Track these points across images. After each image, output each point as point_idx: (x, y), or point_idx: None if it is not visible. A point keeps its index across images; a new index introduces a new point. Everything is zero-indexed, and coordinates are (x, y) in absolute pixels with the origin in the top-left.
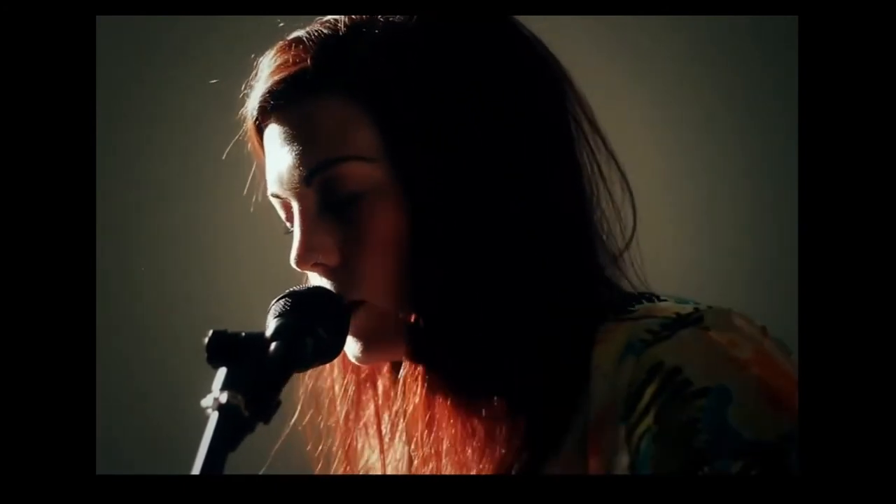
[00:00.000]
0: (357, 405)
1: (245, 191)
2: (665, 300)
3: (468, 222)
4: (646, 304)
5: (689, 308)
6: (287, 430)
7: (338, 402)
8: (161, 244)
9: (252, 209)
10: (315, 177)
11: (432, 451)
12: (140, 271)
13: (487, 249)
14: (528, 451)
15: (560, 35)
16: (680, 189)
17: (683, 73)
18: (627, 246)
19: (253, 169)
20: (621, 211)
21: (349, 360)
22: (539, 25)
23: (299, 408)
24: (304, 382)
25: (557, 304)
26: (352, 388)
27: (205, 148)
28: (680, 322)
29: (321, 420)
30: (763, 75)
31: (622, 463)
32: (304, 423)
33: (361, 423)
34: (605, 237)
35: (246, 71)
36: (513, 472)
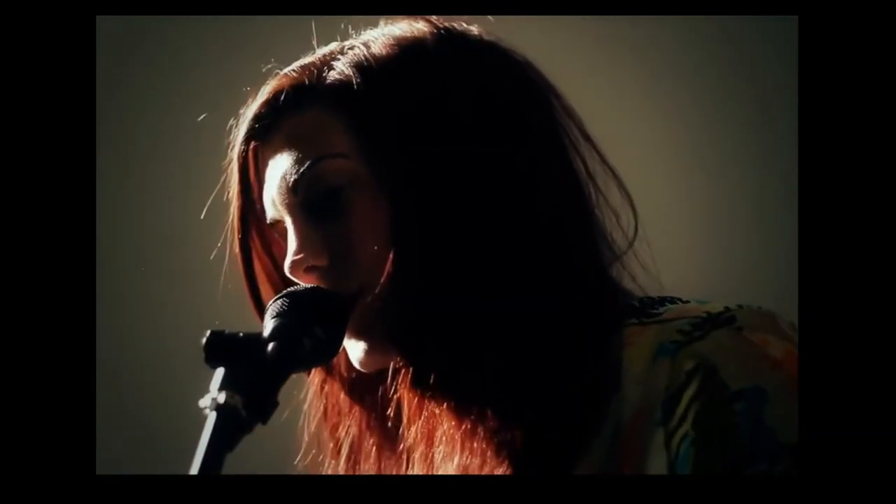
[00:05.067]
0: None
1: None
2: (688, 302)
3: (445, 216)
4: (669, 306)
5: (719, 307)
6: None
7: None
8: (160, 244)
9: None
10: (300, 184)
11: (424, 442)
12: (139, 272)
13: (467, 243)
14: (531, 455)
15: (558, 35)
16: (681, 189)
17: (683, 73)
18: (629, 247)
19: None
20: (620, 214)
21: (358, 374)
22: (537, 26)
23: (303, 419)
24: (308, 394)
25: (550, 300)
26: (357, 409)
27: (205, 148)
28: (712, 321)
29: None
30: (763, 75)
31: (658, 466)
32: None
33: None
34: (608, 237)
35: (245, 71)
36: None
